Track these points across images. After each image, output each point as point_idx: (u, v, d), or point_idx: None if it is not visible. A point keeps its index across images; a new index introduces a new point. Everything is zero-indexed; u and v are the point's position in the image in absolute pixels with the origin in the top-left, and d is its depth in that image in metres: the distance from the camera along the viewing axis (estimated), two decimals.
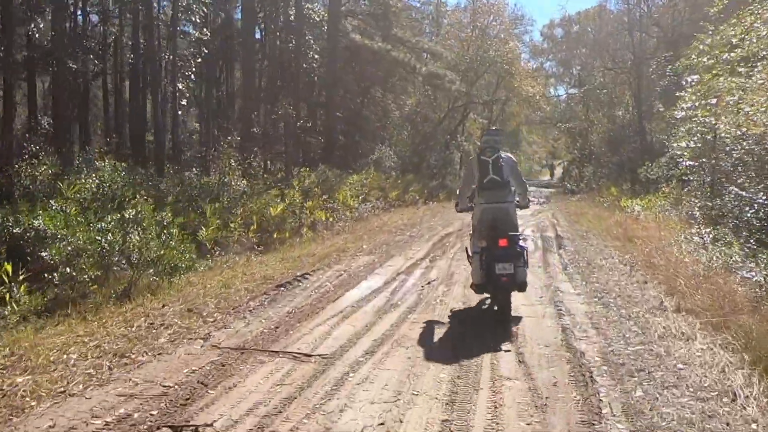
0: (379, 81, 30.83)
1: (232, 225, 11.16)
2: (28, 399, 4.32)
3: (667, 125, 30.84)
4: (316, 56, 26.75)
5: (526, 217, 19.65)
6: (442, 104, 37.11)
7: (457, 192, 7.86)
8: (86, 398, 4.36)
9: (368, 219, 16.68)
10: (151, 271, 7.96)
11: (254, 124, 21.50)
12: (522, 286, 6.59)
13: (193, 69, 19.59)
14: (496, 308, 6.66)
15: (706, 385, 4.51)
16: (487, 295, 7.10)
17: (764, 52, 10.26)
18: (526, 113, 61.77)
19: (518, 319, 6.51)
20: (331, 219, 14.41)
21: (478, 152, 6.99)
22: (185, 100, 18.54)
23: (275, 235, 11.95)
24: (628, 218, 17.31)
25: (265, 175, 17.14)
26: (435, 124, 34.65)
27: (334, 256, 10.42)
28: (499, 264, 6.29)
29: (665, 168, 19.96)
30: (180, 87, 18.24)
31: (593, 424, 3.89)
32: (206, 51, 20.25)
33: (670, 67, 28.52)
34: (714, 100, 11.62)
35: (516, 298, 6.70)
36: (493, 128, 9.29)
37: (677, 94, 16.44)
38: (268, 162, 19.63)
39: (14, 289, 6.94)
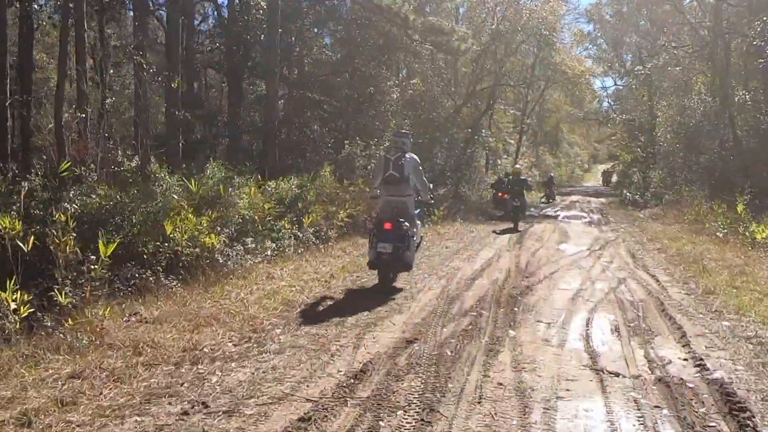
0: (370, 50, 21.34)
1: None
2: None
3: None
4: (263, 2, 17.48)
5: (579, 261, 9.89)
6: (461, 87, 27.40)
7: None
8: None
9: (233, 280, 7.21)
10: None
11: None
12: (406, 267, 7.31)
13: None
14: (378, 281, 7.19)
15: None
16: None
17: None
18: (567, 109, 51.66)
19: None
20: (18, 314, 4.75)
21: (385, 152, 8.68)
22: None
23: None
24: None
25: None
26: (450, 112, 24.95)
27: None
28: (380, 243, 6.93)
29: None
30: None
31: None
32: None
33: None
34: None
35: None
36: (403, 131, 9.07)
37: None
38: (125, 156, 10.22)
39: None
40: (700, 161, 21.18)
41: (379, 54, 21.39)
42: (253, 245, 8.20)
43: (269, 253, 8.56)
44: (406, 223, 7.13)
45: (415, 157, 7.61)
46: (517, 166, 18.69)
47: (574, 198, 31.37)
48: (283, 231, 9.27)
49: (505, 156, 33.02)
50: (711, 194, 18.86)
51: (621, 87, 45.39)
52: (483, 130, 29.17)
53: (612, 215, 20.65)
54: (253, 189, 9.97)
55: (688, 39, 25.82)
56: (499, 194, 21.54)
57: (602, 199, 29.71)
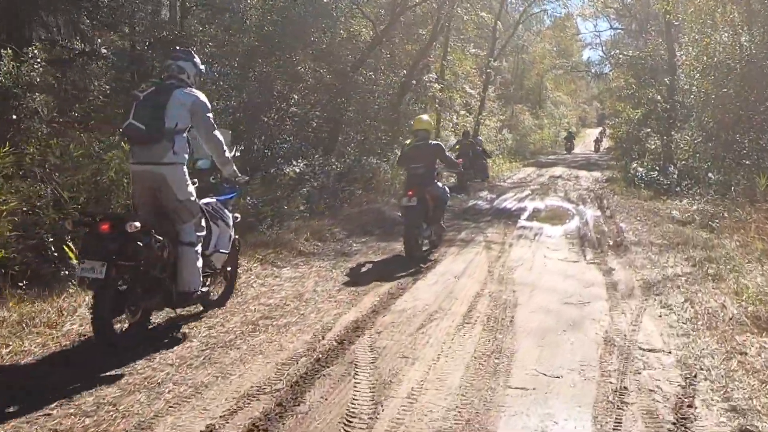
0: None
1: None
2: None
3: None
4: None
5: None
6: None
7: None
8: None
9: None
10: None
11: None
12: (182, 298, 3.84)
13: None
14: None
15: None
16: None
17: None
18: (551, 60, 41.18)
19: None
20: None
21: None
22: None
23: None
24: None
25: None
26: (355, 37, 14.52)
27: None
28: (84, 261, 3.39)
29: None
30: None
31: None
32: None
33: None
34: None
35: None
36: (180, 48, 4.30)
37: None
38: None
39: None
40: None
41: None
42: None
43: None
44: (135, 223, 3.45)
45: (199, 95, 3.92)
46: (423, 116, 8.20)
47: (556, 171, 21.17)
48: None
49: (464, 112, 22.74)
50: None
51: (620, 30, 34.95)
52: (426, 74, 18.97)
53: (621, 213, 10.53)
54: None
55: None
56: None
57: (596, 174, 19.59)
